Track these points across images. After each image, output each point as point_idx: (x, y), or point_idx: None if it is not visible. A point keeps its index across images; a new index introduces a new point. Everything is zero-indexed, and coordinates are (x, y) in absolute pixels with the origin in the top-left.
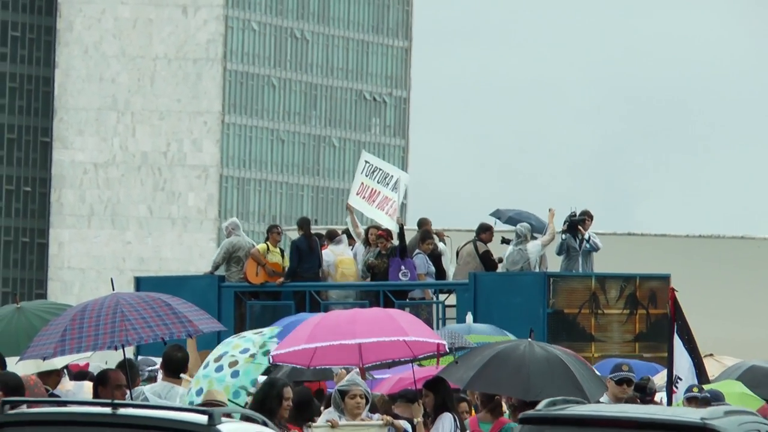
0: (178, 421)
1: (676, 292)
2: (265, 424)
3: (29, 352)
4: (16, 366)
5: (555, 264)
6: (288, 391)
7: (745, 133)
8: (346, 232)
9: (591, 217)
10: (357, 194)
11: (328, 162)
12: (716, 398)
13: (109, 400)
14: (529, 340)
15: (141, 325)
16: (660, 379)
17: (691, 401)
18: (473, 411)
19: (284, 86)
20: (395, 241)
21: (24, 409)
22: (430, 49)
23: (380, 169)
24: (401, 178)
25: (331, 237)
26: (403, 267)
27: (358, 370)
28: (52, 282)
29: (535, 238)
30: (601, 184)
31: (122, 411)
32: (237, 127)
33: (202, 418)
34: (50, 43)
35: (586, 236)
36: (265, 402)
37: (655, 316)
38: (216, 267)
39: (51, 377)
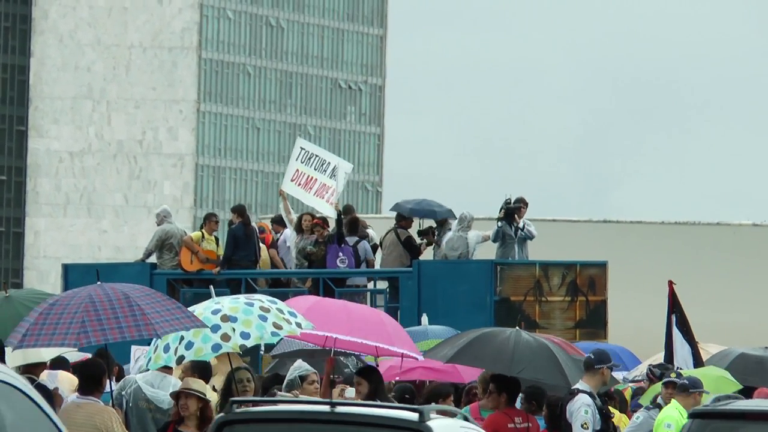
0: (392, 418)
1: (674, 285)
2: (465, 419)
3: (29, 340)
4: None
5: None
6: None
7: (723, 119)
8: (279, 219)
9: (526, 205)
10: (292, 181)
11: None
12: (694, 384)
13: (327, 399)
14: (517, 328)
15: (94, 327)
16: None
17: (668, 386)
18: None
19: (259, 74)
20: (331, 229)
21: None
22: (406, 36)
23: (317, 156)
24: (340, 165)
25: (280, 223)
26: (341, 254)
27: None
28: (29, 271)
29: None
30: (580, 169)
31: (339, 409)
32: (212, 116)
33: (413, 416)
34: (25, 31)
35: (521, 224)
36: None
37: (594, 302)
38: (148, 254)
39: (38, 369)
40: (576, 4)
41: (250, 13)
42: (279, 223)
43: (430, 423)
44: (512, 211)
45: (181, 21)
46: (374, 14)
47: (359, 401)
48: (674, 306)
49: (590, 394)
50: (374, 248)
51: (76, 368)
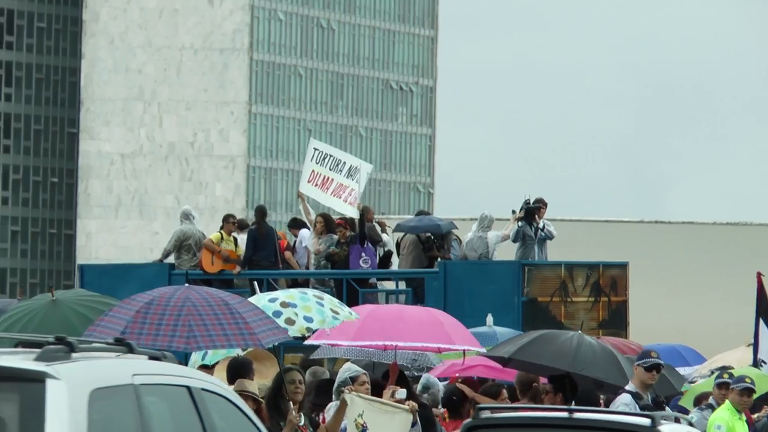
0: (626, 423)
1: (763, 276)
2: (690, 425)
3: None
4: None
5: (503, 253)
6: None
7: None
8: (297, 222)
9: (545, 205)
10: (308, 182)
11: (355, 151)
12: (738, 381)
13: (565, 407)
14: (580, 331)
15: (202, 332)
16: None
17: (721, 387)
18: None
19: (311, 76)
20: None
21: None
22: (456, 37)
23: (331, 156)
24: (362, 166)
25: (297, 225)
26: (363, 254)
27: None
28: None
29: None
30: (630, 171)
31: (577, 415)
32: (264, 117)
33: (646, 421)
34: (76, 33)
35: (541, 224)
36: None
37: (616, 303)
38: (166, 255)
39: None
40: (624, 7)
41: (301, 15)
42: (295, 226)
43: (661, 428)
44: (532, 211)
45: (231, 22)
46: (425, 15)
47: (595, 408)
48: (762, 299)
49: (635, 394)
50: (389, 254)
51: None
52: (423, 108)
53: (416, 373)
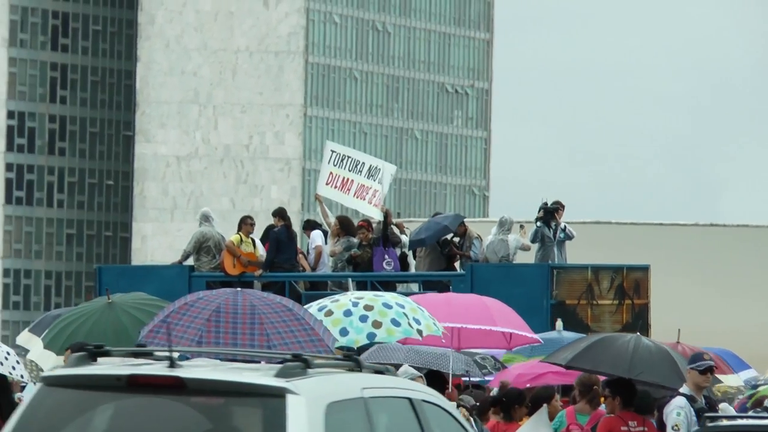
0: None
1: None
2: None
3: (160, 339)
4: None
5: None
6: None
7: None
8: (310, 223)
9: (563, 207)
10: (327, 184)
11: (411, 154)
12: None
13: None
14: (638, 333)
15: (278, 340)
16: None
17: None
18: None
19: (366, 79)
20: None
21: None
22: (512, 40)
23: (349, 157)
24: (385, 167)
25: (312, 227)
26: (386, 256)
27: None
28: None
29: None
30: (686, 173)
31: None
32: (319, 120)
33: None
34: (132, 36)
35: (562, 225)
36: None
37: (638, 306)
38: (186, 257)
39: None
40: (681, 8)
41: (356, 18)
42: (309, 227)
43: None
44: (551, 211)
45: (287, 25)
46: (481, 18)
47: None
48: None
49: (689, 397)
50: (404, 256)
51: None
52: (478, 111)
53: (469, 379)
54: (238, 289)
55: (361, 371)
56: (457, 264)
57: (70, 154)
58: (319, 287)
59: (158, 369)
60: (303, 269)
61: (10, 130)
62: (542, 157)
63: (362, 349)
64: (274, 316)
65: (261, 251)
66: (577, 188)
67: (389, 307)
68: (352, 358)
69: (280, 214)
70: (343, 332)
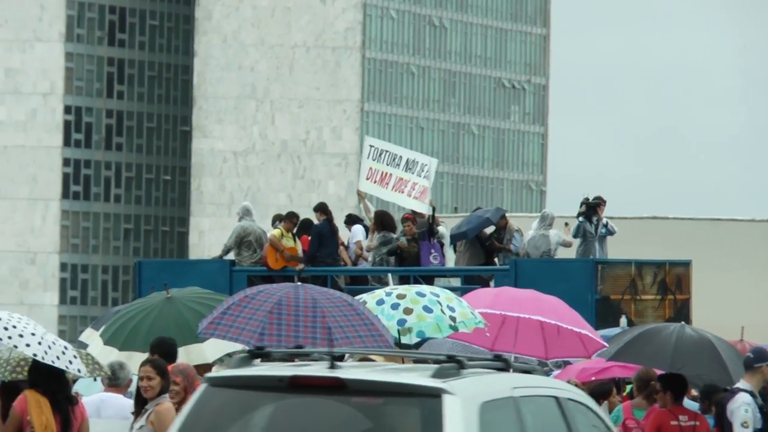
0: None
1: None
2: None
3: (221, 331)
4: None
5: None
6: None
7: None
8: (351, 218)
9: (604, 202)
10: (367, 179)
11: (468, 149)
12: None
13: None
14: (683, 323)
15: (340, 334)
16: None
17: None
18: None
19: (423, 74)
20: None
21: None
22: (569, 35)
23: (387, 152)
24: (424, 160)
25: (353, 222)
26: (432, 250)
27: None
28: None
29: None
30: (744, 170)
31: None
32: (376, 115)
33: None
34: (189, 32)
35: (603, 221)
36: None
37: (681, 301)
38: (227, 251)
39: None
40: (738, 4)
41: (413, 13)
42: (350, 222)
43: None
44: (592, 206)
45: (344, 21)
46: (537, 14)
47: None
48: None
49: (751, 393)
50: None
51: None
52: (535, 106)
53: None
54: (299, 283)
55: (509, 371)
56: (496, 258)
57: (127, 149)
58: (360, 282)
59: (318, 370)
60: (344, 263)
61: (67, 125)
62: (599, 152)
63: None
64: (335, 311)
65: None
66: (634, 183)
67: (422, 295)
68: (501, 359)
69: (322, 208)
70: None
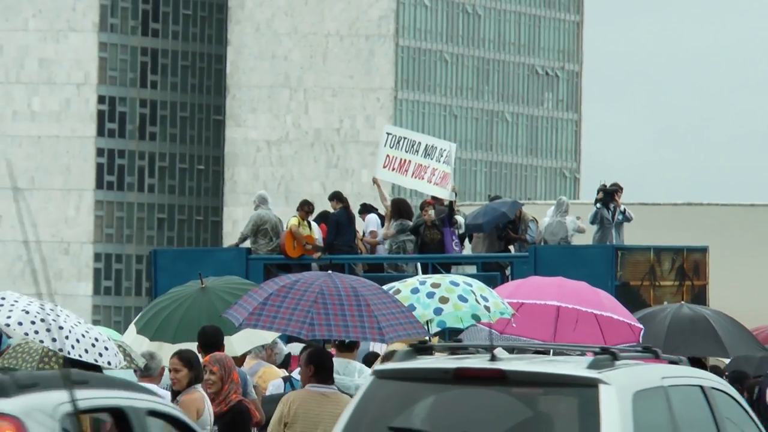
0: None
1: None
2: None
3: (265, 322)
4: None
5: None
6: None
7: None
8: (366, 207)
9: (621, 189)
10: (384, 167)
11: (501, 137)
12: None
13: None
14: (681, 303)
15: (385, 322)
16: None
17: None
18: None
19: (456, 62)
20: (431, 212)
21: None
22: (602, 21)
23: (405, 138)
24: (451, 148)
25: (368, 210)
26: (454, 237)
27: None
28: None
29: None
30: None
31: None
32: (410, 103)
33: None
34: (222, 20)
35: (622, 208)
36: None
37: (698, 287)
38: (243, 239)
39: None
40: None
41: (446, 0)
42: (365, 211)
43: None
44: (610, 192)
45: (377, 9)
46: (571, 0)
47: None
48: None
49: None
50: (462, 237)
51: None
52: (569, 93)
53: None
54: (330, 272)
55: (658, 362)
56: (511, 248)
57: (160, 138)
58: (377, 270)
59: (480, 362)
60: (362, 252)
61: (101, 114)
62: (632, 139)
63: (453, 333)
64: (375, 299)
65: (317, 234)
66: (668, 169)
67: (456, 284)
68: (650, 350)
69: (338, 197)
70: (411, 308)
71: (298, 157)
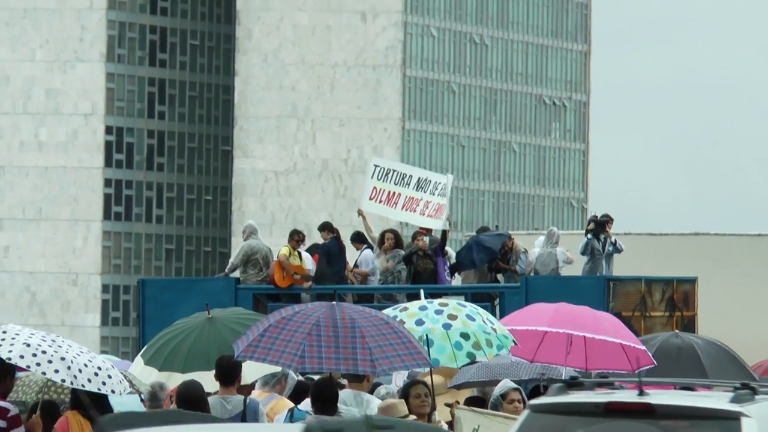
0: None
1: None
2: None
3: (260, 354)
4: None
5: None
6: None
7: None
8: (359, 236)
9: (612, 220)
10: (370, 199)
11: (509, 167)
12: None
13: None
14: (675, 331)
15: (380, 354)
16: None
17: None
18: None
19: (464, 92)
20: (425, 239)
21: None
22: (609, 52)
23: (395, 171)
24: (448, 181)
25: (361, 240)
26: (446, 267)
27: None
28: None
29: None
30: None
31: None
32: (417, 133)
33: None
34: (229, 51)
35: (612, 239)
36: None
37: (688, 318)
38: (233, 269)
39: (243, 390)
40: None
41: (454, 31)
42: (359, 240)
43: None
44: (601, 223)
45: (384, 39)
46: (578, 30)
47: None
48: None
49: None
50: (452, 270)
51: (311, 388)
52: (576, 123)
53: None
54: (334, 302)
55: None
56: (500, 278)
57: (168, 169)
58: (367, 300)
59: (630, 396)
60: (352, 282)
61: (108, 145)
62: (640, 169)
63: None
64: (373, 330)
65: (309, 264)
66: (675, 200)
67: (463, 306)
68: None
69: (328, 227)
70: (419, 323)
71: (306, 188)
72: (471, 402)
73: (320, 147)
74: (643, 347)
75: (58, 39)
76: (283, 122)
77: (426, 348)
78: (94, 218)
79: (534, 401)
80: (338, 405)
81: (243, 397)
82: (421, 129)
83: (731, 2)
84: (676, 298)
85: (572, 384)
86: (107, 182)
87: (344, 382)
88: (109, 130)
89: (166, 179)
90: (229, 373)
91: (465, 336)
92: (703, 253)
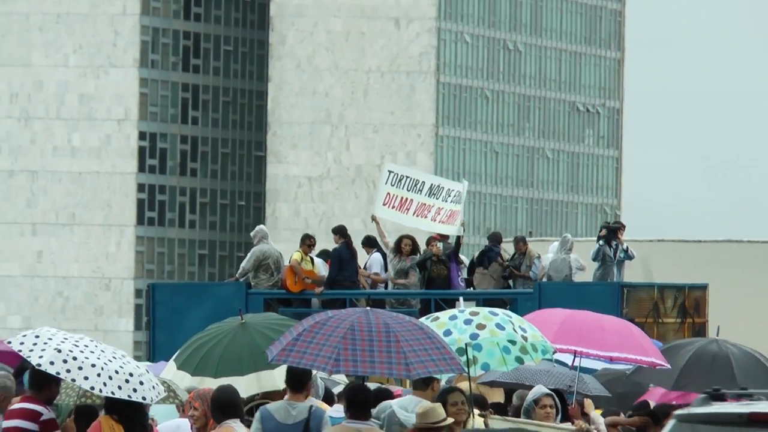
0: None
1: None
2: None
3: (294, 357)
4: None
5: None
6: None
7: None
8: (370, 240)
9: (624, 227)
10: (384, 205)
11: (542, 173)
12: None
13: None
14: (716, 338)
15: (414, 358)
16: None
17: None
18: None
19: (497, 98)
20: (438, 245)
21: None
22: (643, 58)
23: (407, 177)
24: (464, 188)
25: (371, 244)
26: (459, 273)
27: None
28: None
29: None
30: None
31: None
32: (450, 140)
33: None
34: (263, 57)
35: (624, 246)
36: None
37: (699, 324)
38: (244, 274)
39: (275, 396)
40: None
41: (487, 37)
42: (369, 245)
43: None
44: (612, 230)
45: (418, 45)
46: (611, 37)
47: None
48: None
49: None
50: (467, 283)
51: (346, 392)
52: (610, 130)
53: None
54: (368, 308)
55: None
56: (511, 283)
57: (201, 174)
58: (379, 305)
59: None
60: (363, 287)
61: (141, 151)
62: (673, 176)
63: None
64: (408, 335)
65: (322, 269)
66: (708, 207)
67: (495, 314)
68: None
69: (341, 231)
70: (447, 333)
71: (339, 194)
72: (496, 409)
73: (354, 153)
74: (650, 357)
75: (92, 44)
76: (316, 128)
77: (473, 353)
78: (128, 223)
79: (679, 411)
80: (398, 410)
81: (310, 404)
82: (454, 135)
83: (765, 10)
84: (688, 305)
85: (715, 396)
86: (140, 187)
87: (407, 388)
88: (142, 135)
89: (200, 185)
90: (299, 380)
91: (512, 341)
92: (736, 259)
